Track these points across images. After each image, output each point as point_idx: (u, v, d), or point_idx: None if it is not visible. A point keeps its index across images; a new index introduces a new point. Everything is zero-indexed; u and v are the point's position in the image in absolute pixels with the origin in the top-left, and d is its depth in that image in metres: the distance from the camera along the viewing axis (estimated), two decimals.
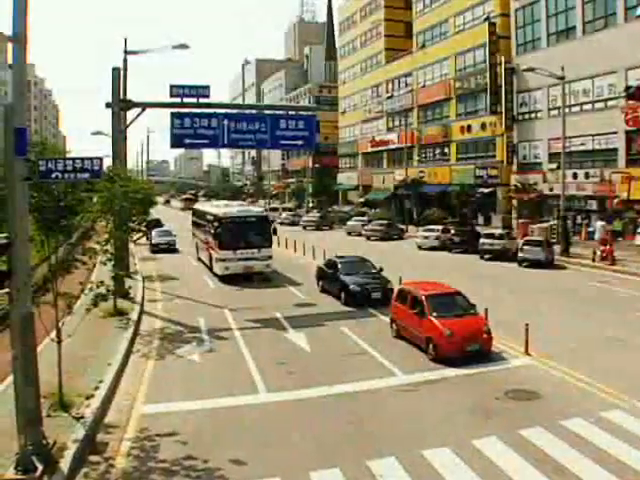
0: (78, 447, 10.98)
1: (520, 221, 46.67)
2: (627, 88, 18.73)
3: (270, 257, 30.18)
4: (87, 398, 13.19)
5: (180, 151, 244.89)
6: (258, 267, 29.82)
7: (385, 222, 54.65)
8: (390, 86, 72.33)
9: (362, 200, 76.16)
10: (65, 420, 12.05)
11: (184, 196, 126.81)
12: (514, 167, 50.38)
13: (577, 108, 41.56)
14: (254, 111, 30.20)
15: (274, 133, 26.42)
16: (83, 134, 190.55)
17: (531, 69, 36.39)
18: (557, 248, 36.17)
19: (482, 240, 38.24)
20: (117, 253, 21.61)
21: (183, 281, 30.76)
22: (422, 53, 64.24)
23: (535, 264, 33.32)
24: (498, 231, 40.67)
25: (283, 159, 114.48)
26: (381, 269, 26.19)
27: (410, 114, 67.41)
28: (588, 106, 41.77)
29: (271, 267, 30.49)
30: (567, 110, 39.33)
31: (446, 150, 61.12)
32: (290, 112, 30.00)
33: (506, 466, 10.78)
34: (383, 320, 21.62)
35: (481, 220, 54.96)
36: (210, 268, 31.97)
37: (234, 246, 29.19)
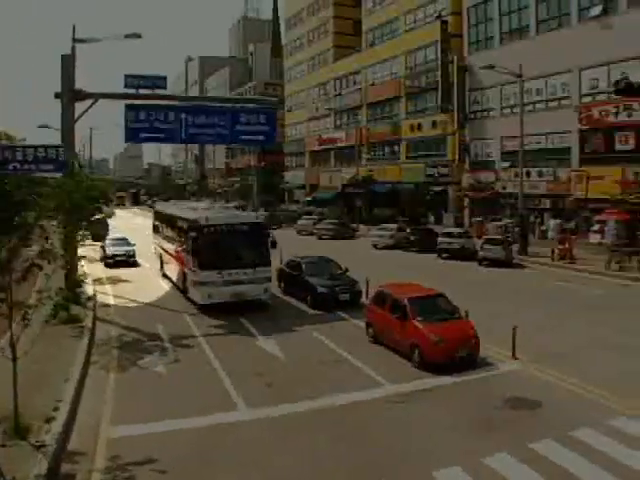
0: None
1: (473, 220, 46.52)
2: (616, 83, 18.28)
3: (268, 279, 22.92)
4: (47, 421, 11.52)
5: (119, 149, 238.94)
6: (252, 293, 22.36)
7: (337, 221, 53.85)
8: (338, 84, 71.47)
9: (309, 199, 75.11)
10: (23, 449, 10.40)
11: (118, 194, 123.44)
12: (466, 166, 50.20)
13: (530, 107, 41.44)
14: (214, 104, 28.41)
15: (234, 128, 25.07)
16: (24, 130, 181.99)
17: (491, 66, 35.99)
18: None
19: (440, 239, 37.72)
20: (68, 255, 19.75)
21: (135, 284, 28.86)
22: (371, 51, 63.62)
23: (495, 263, 32.95)
24: (457, 230, 40.31)
25: (227, 157, 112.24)
26: (346, 269, 25.13)
27: (359, 112, 66.77)
28: (541, 105, 41.85)
29: (270, 292, 23.26)
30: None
31: (396, 148, 60.62)
32: (240, 105, 28.33)
33: None
34: (354, 323, 20.59)
35: (432, 219, 54.60)
36: (183, 291, 24.86)
37: (220, 264, 21.71)
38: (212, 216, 23.24)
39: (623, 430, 11.79)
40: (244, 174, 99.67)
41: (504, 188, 45.10)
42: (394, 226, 44.59)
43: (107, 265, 33.95)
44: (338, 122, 72.32)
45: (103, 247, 35.07)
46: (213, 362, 16.58)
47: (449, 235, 37.93)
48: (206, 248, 21.89)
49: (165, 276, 29.54)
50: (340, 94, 70.46)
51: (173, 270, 27.30)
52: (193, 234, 22.32)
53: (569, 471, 10.26)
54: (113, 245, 35.46)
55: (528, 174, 40.61)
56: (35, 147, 8.52)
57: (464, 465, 10.51)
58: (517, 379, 15.00)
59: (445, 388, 14.48)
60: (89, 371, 15.52)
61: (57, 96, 22.00)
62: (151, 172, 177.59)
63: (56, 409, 12.18)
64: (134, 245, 35.94)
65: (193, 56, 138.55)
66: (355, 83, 67.52)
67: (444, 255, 36.75)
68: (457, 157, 50.80)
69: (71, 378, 14.13)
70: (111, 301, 24.80)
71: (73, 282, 20.94)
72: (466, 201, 50.37)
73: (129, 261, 34.51)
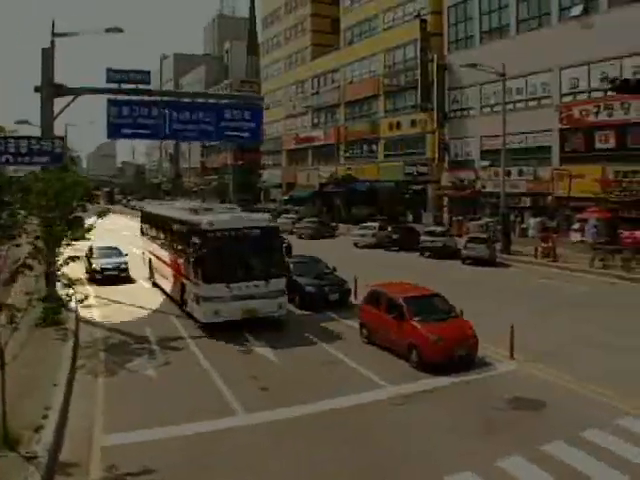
0: None
1: (454, 218, 46.45)
2: (612, 80, 18.17)
3: (283, 292, 19.84)
4: (36, 430, 10.87)
5: (91, 148, 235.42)
6: (266, 309, 19.33)
7: (316, 220, 53.40)
8: (316, 82, 71.00)
9: (286, 198, 74.52)
10: (14, 461, 9.77)
11: (93, 192, 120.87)
12: (445, 164, 50.11)
13: (511, 106, 41.33)
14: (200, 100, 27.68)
15: (219, 124, 24.39)
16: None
17: (473, 65, 35.85)
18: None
19: (422, 237, 37.59)
20: (51, 255, 18.87)
21: (120, 284, 27.96)
22: (350, 49, 63.27)
23: (479, 262, 32.83)
24: (439, 229, 40.21)
25: (203, 156, 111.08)
26: (334, 269, 24.70)
27: (337, 110, 66.41)
28: (522, 104, 41.89)
29: (285, 308, 20.18)
30: (501, 108, 39.10)
31: (374, 147, 60.35)
32: (225, 101, 27.62)
33: None
34: (346, 324, 20.19)
35: (410, 217, 54.37)
36: (180, 305, 21.80)
37: (228, 276, 18.76)
38: (217, 220, 19.90)
39: (630, 430, 11.59)
40: (220, 173, 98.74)
41: (484, 187, 45.10)
42: (376, 225, 44.27)
43: (94, 281, 27.66)
44: (316, 120, 71.86)
45: (89, 258, 28.52)
46: (204, 365, 16.03)
47: (431, 234, 37.81)
48: (211, 257, 18.68)
49: (155, 285, 26.73)
50: (318, 92, 70.01)
51: (167, 279, 24.24)
52: (195, 240, 19.42)
53: (585, 474, 9.98)
54: (101, 256, 28.73)
55: (508, 173, 40.57)
56: (29, 138, 7.91)
57: (475, 469, 10.17)
58: (517, 379, 14.74)
59: (445, 389, 14.15)
60: (77, 376, 14.87)
61: (37, 90, 21.12)
62: (125, 171, 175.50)
63: (45, 417, 11.54)
64: (127, 255, 29.79)
65: (167, 53, 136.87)
66: (333, 81, 67.13)
67: (426, 254, 36.59)
68: (437, 156, 50.65)
69: (60, 383, 13.49)
70: (92, 301, 23.95)
71: (54, 283, 20.10)
72: (445, 200, 50.29)
73: (121, 276, 28.34)
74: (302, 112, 74.30)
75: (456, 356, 15.16)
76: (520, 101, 41.94)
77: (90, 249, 28.46)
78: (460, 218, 45.39)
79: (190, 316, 20.42)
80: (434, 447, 11.16)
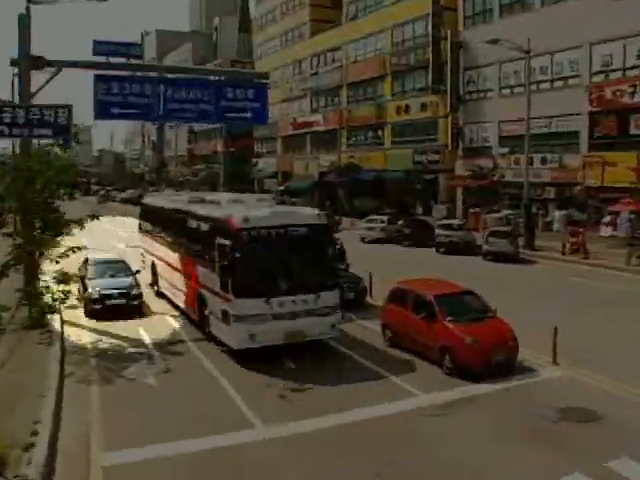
0: None
1: (470, 211, 45.91)
2: None
3: (336, 308, 16.84)
4: (25, 449, 10.21)
5: None
6: (314, 331, 16.37)
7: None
8: (315, 61, 70.33)
9: (282, 188, 73.86)
10: None
11: None
12: (460, 152, 49.53)
13: (534, 87, 40.71)
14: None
15: (219, 104, 23.64)
16: None
17: (494, 41, 35.30)
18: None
19: (438, 232, 37.14)
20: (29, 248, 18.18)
21: None
22: (353, 25, 62.56)
23: (501, 257, 32.36)
24: (456, 222, 39.73)
25: (190, 142, 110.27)
26: (348, 265, 24.20)
27: (338, 93, 65.76)
28: (546, 85, 41.38)
29: (338, 328, 17.15)
30: (523, 89, 38.64)
31: (380, 133, 59.74)
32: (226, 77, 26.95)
33: None
34: (363, 325, 19.79)
35: (420, 210, 53.77)
36: (202, 325, 18.59)
37: (267, 289, 15.86)
38: (253, 216, 16.47)
39: None
40: (209, 161, 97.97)
41: (503, 176, 44.57)
42: (384, 218, 43.78)
43: (92, 314, 20.91)
44: (315, 104, 71.21)
45: (83, 280, 21.75)
46: (213, 372, 15.48)
47: (448, 227, 37.37)
48: (246, 264, 15.71)
49: (162, 295, 23.70)
50: (317, 73, 69.32)
51: (179, 290, 21.13)
52: (224, 242, 16.37)
53: None
54: (99, 275, 22.18)
55: (531, 161, 40.06)
56: (27, 107, 7.30)
57: None
58: (563, 386, 14.34)
59: (485, 397, 13.66)
60: (67, 384, 14.29)
61: (13, 63, 20.46)
62: (102, 160, 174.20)
63: (35, 433, 10.89)
64: (137, 272, 23.01)
65: (149, 29, 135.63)
66: (334, 61, 66.40)
67: (442, 249, 36.11)
68: (449, 142, 50.00)
69: (48, 394, 12.89)
70: (76, 300, 23.28)
71: (35, 279, 19.47)
72: (459, 191, 49.74)
73: (130, 305, 21.20)
74: (300, 95, 73.59)
75: (493, 360, 14.66)
76: (545, 81, 41.39)
77: (85, 262, 22.99)
78: (477, 210, 44.82)
79: (214, 340, 17.44)
80: (482, 464, 10.66)
